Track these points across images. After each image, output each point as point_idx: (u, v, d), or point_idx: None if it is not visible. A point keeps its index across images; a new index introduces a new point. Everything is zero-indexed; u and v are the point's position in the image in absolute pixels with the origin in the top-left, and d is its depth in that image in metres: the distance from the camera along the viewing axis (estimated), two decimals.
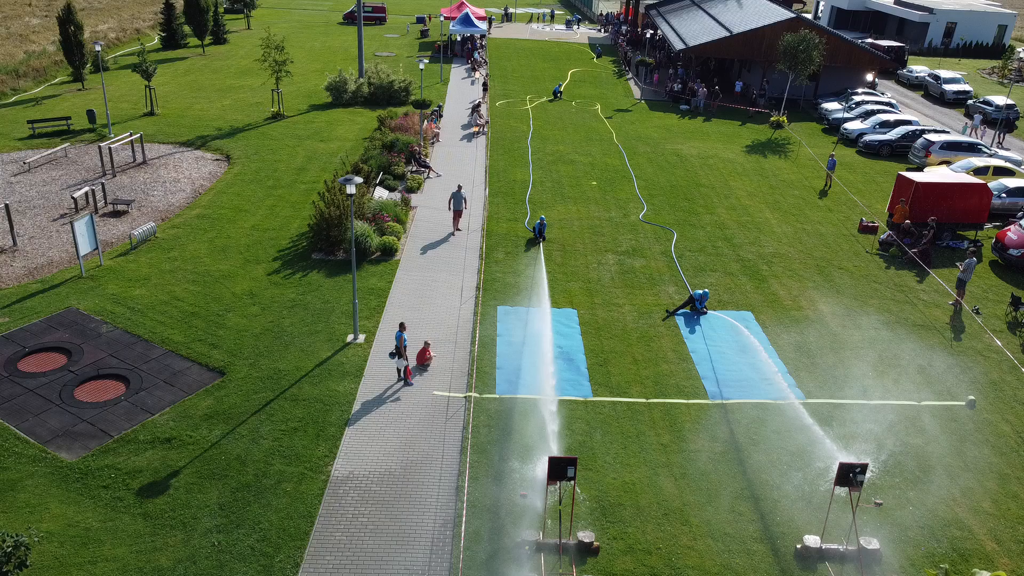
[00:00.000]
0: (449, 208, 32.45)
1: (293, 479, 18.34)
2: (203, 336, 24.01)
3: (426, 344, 23.06)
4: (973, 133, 50.49)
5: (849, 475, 15.96)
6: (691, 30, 62.35)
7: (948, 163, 41.70)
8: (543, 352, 23.73)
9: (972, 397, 22.44)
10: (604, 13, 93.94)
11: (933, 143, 42.58)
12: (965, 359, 24.61)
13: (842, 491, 16.65)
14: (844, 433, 20.81)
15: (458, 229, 32.29)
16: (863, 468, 15.96)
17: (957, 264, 28.85)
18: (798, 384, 22.90)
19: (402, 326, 21.89)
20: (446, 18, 71.48)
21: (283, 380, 22.00)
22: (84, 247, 27.73)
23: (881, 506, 17.42)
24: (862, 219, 34.86)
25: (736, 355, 24.23)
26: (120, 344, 23.57)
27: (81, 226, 27.49)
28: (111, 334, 24.04)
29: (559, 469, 16.00)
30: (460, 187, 32.36)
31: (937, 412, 21.85)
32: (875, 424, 21.22)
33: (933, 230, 31.49)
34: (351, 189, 21.93)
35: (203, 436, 19.67)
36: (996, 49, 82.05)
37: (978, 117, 52.04)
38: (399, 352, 21.67)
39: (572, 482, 16.28)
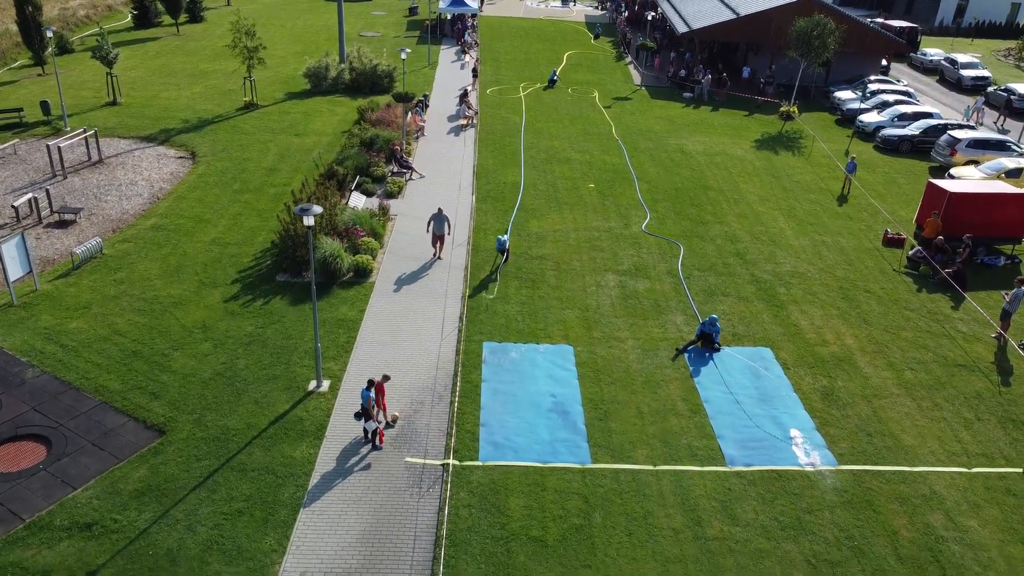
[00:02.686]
0: (428, 231, 28.09)
1: None
2: (143, 383, 20.83)
3: (384, 377, 19.42)
4: (976, 116, 47.51)
5: None
6: (694, 11, 58.61)
7: (976, 163, 38.52)
8: (535, 404, 20.64)
9: None
10: None
11: (959, 140, 39.27)
12: (1017, 410, 21.54)
13: None
14: (890, 513, 17.81)
15: (439, 257, 28.11)
16: None
17: (1004, 294, 25.66)
18: (828, 444, 19.83)
19: (371, 384, 18.67)
20: None
21: (231, 442, 18.87)
22: (15, 271, 24.45)
23: None
24: (886, 230, 31.63)
25: (756, 406, 21.13)
26: (46, 394, 20.38)
27: (11, 248, 24.18)
28: (36, 380, 20.84)
29: None
30: (441, 209, 27.81)
31: (991, 483, 18.80)
32: (922, 500, 18.19)
33: (969, 248, 28.37)
34: (309, 221, 18.69)
35: (130, 520, 16.58)
36: (1010, 29, 78.39)
37: (980, 99, 49.07)
38: (366, 413, 18.51)
39: None
